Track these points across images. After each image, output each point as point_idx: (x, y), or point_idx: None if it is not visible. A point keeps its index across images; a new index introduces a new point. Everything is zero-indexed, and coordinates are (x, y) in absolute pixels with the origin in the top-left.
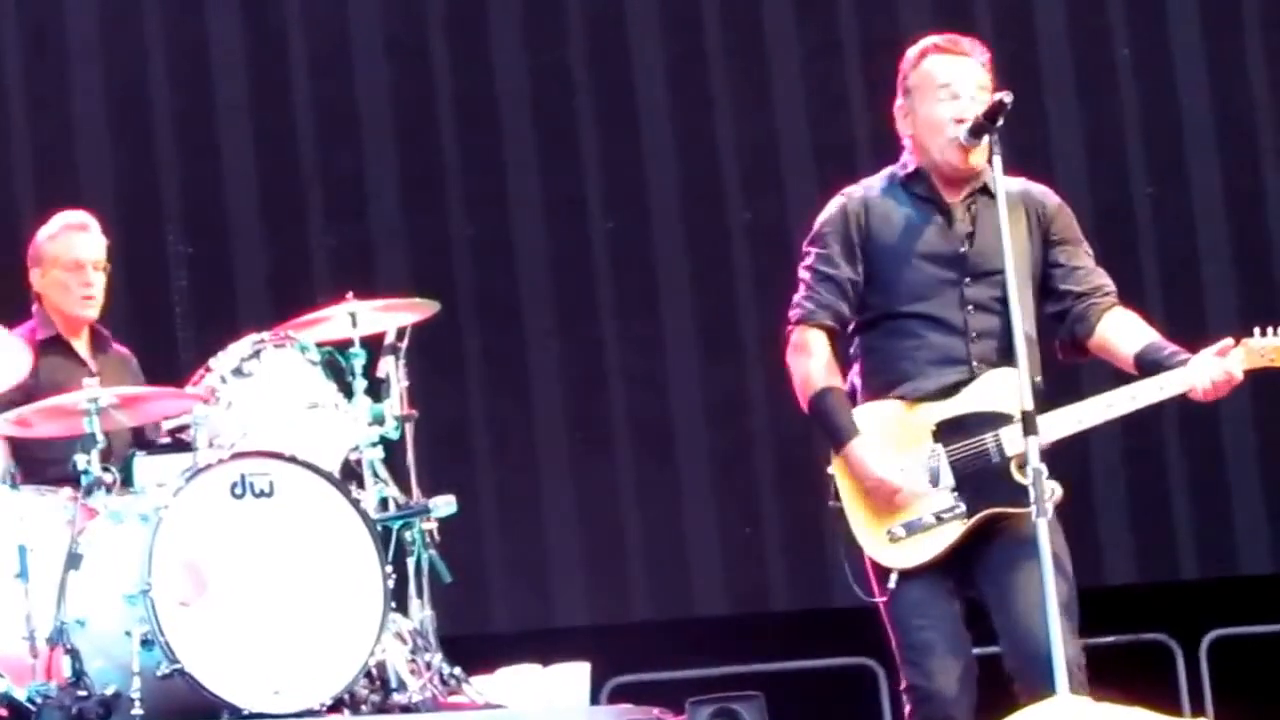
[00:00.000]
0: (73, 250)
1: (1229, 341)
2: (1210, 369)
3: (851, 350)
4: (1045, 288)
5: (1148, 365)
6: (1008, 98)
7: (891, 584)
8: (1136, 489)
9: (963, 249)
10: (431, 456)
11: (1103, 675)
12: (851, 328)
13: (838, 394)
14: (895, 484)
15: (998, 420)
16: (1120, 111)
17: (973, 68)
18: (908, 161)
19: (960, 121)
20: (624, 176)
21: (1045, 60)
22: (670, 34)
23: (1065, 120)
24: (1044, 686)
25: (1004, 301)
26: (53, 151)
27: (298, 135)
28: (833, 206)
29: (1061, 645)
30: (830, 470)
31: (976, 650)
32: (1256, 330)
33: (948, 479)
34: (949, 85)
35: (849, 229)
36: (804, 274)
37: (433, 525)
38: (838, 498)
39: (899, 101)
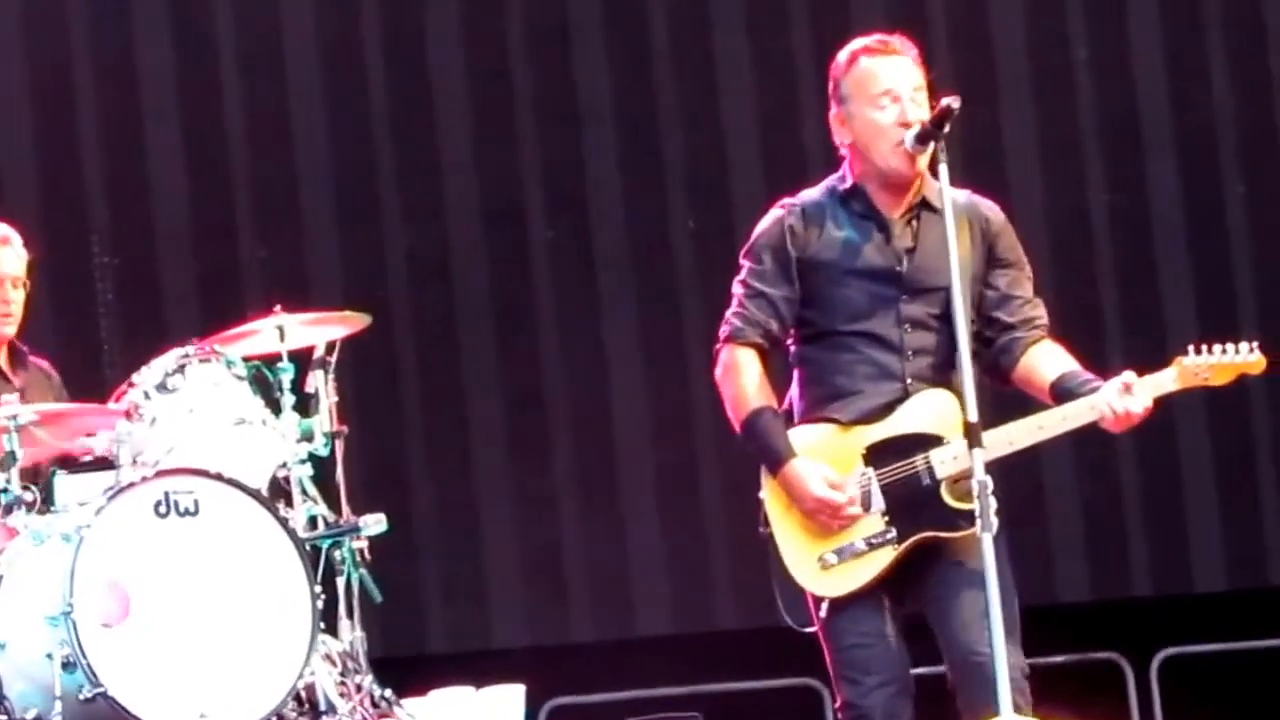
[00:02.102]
0: None
1: (1130, 376)
2: (1107, 400)
3: (789, 364)
4: (978, 307)
5: (1061, 394)
6: (955, 103)
7: (823, 613)
8: (1089, 506)
9: (900, 266)
10: (363, 474)
11: (1053, 694)
12: (790, 342)
13: (771, 415)
14: (838, 502)
15: (928, 442)
16: (1077, 116)
17: (907, 66)
18: (846, 174)
19: (904, 125)
20: (564, 186)
21: (1000, 65)
22: (616, 40)
23: (1020, 125)
24: (985, 703)
25: (941, 318)
26: None
27: (228, 145)
28: (769, 219)
29: (1005, 663)
30: (761, 495)
31: (918, 670)
32: (1190, 348)
33: (879, 503)
34: (887, 88)
35: (785, 244)
36: (737, 289)
37: (363, 544)
38: (768, 524)
39: (834, 110)
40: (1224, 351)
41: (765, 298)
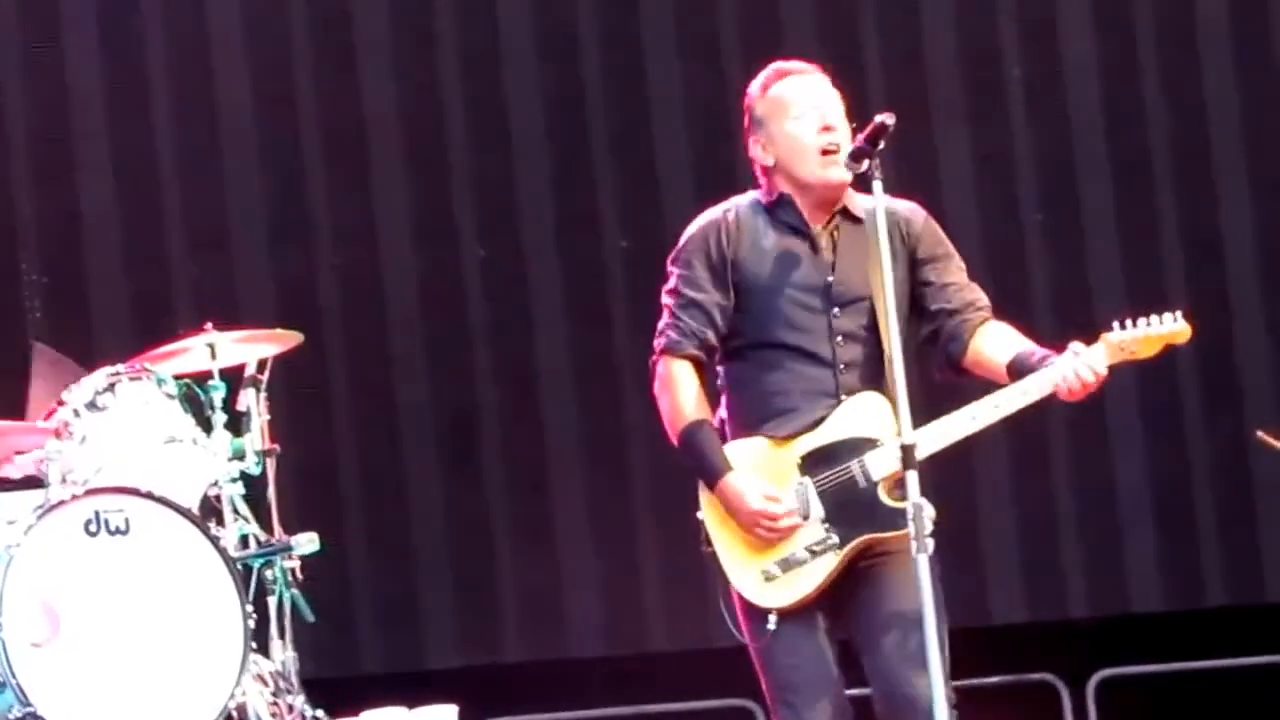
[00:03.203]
0: None
1: (1080, 345)
2: (1072, 366)
3: (719, 381)
4: (917, 308)
5: (1018, 373)
6: (889, 119)
7: (771, 625)
8: (1024, 526)
9: (829, 278)
10: (295, 492)
11: (989, 716)
12: (718, 357)
13: (708, 429)
14: (775, 513)
15: (862, 445)
16: (1010, 134)
17: (820, 82)
18: (770, 189)
19: (827, 129)
20: (497, 203)
21: (933, 83)
22: (548, 59)
23: (954, 143)
24: None
25: (870, 329)
26: None
27: (158, 163)
28: (698, 224)
29: (942, 688)
30: (700, 515)
31: (852, 691)
32: (1115, 324)
33: (818, 510)
34: (803, 103)
35: (716, 249)
36: (667, 298)
37: (295, 563)
38: (709, 543)
39: (752, 138)
40: (1149, 324)
41: (699, 306)
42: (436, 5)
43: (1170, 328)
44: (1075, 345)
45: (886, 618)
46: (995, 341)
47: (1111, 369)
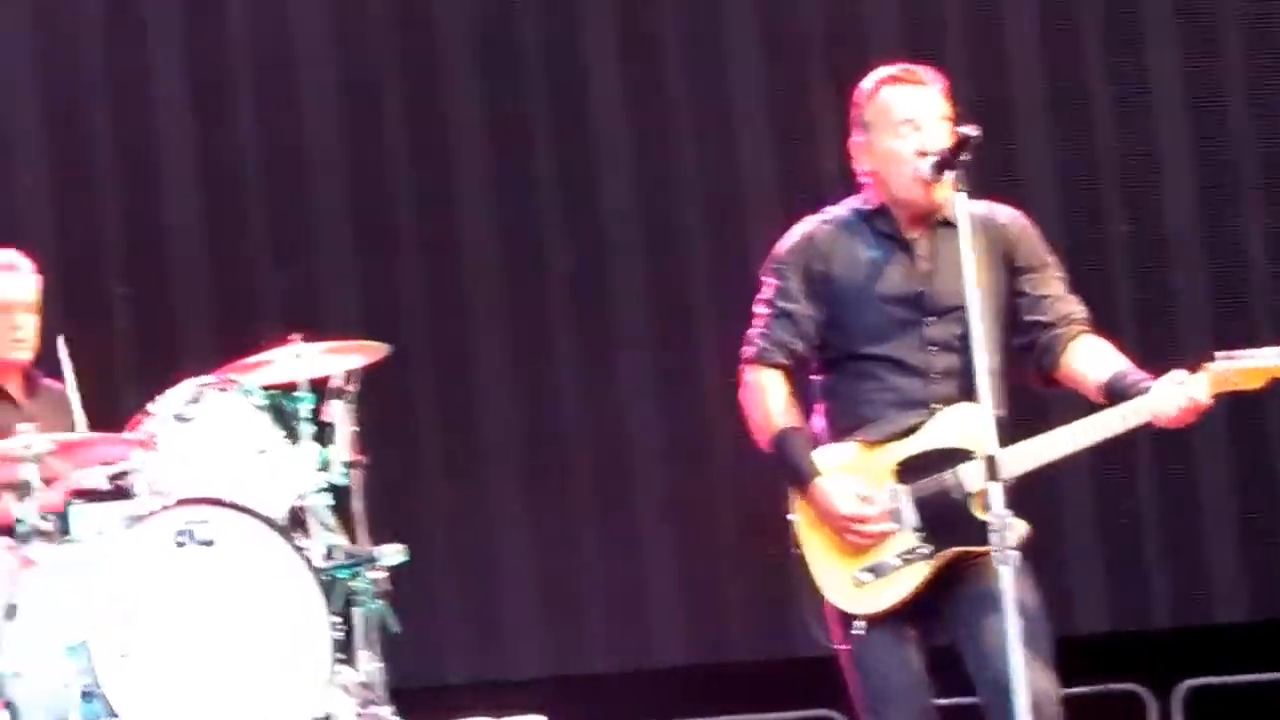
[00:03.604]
0: (1, 291)
1: (1183, 373)
2: (1173, 397)
3: (812, 391)
4: (1012, 319)
5: (1114, 395)
6: (974, 132)
7: (858, 630)
8: (1108, 536)
9: (922, 288)
10: (381, 503)
11: None
12: (812, 368)
13: (798, 434)
14: (868, 516)
15: (957, 457)
16: (1094, 144)
17: (931, 96)
18: (869, 197)
19: (923, 154)
20: (583, 216)
21: (1018, 92)
22: (629, 61)
23: (1037, 153)
24: None
25: (966, 339)
26: None
27: (244, 173)
28: (793, 236)
29: (1026, 693)
30: (791, 517)
31: (941, 701)
32: (1218, 354)
33: (911, 518)
34: (909, 118)
35: (810, 261)
36: (760, 308)
37: (381, 574)
38: (799, 545)
39: (855, 137)
40: (1253, 355)
41: (790, 317)
42: (517, 12)
43: (1276, 361)
44: (1177, 374)
45: (986, 618)
46: (1090, 357)
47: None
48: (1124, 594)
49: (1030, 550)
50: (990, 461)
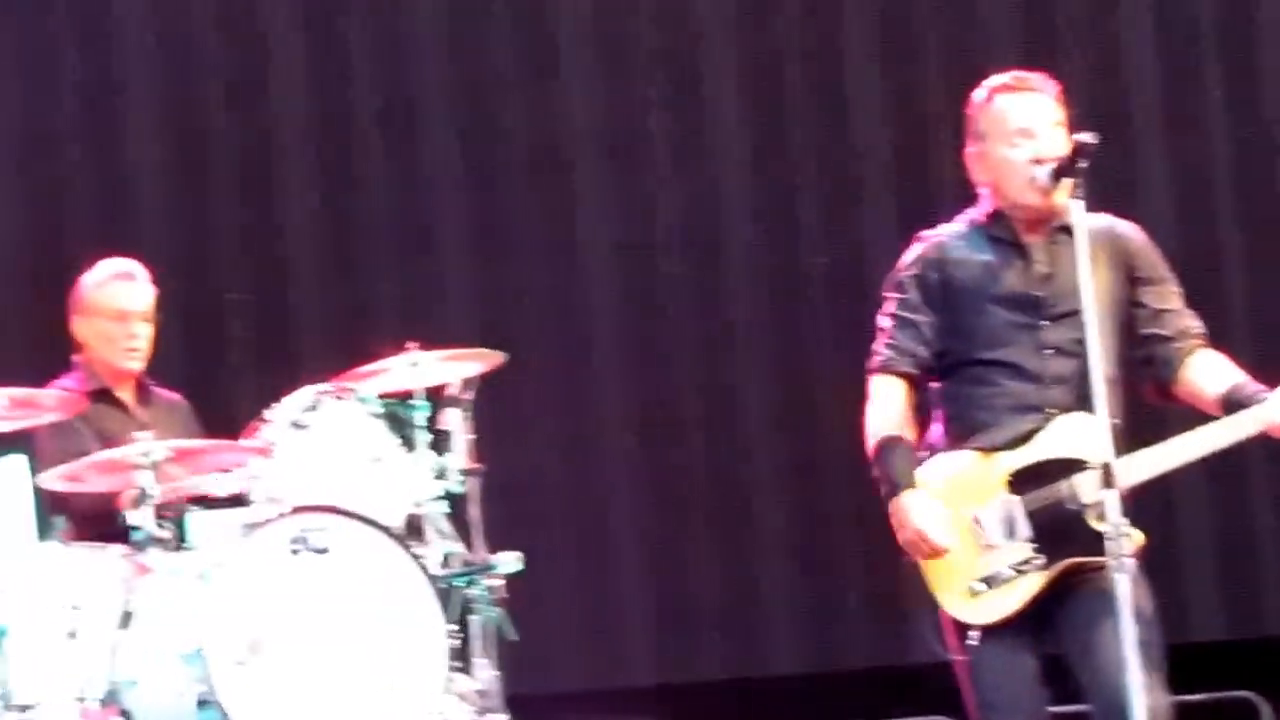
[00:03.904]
0: (118, 300)
1: None
2: None
3: (931, 398)
4: (1129, 330)
5: (1232, 407)
6: (1091, 139)
7: (973, 640)
8: (1223, 543)
9: (1040, 292)
10: (497, 511)
11: None
12: (933, 375)
13: (900, 444)
14: (936, 543)
15: (1072, 467)
16: (1210, 152)
17: (1045, 103)
18: (985, 204)
19: (1039, 161)
20: (698, 218)
21: (1134, 99)
22: (745, 75)
23: (1153, 159)
24: None
25: (1082, 344)
26: (108, 195)
27: (362, 181)
28: (912, 252)
29: (1144, 703)
30: None
31: (1054, 709)
32: None
33: (1024, 530)
34: (1023, 126)
35: (927, 271)
36: (884, 320)
37: (497, 582)
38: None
39: (971, 148)
40: None
41: (914, 326)
42: (640, 22)
43: None
44: None
45: (1099, 630)
46: (1207, 372)
47: None
48: (1238, 602)
49: (1145, 559)
50: (1106, 470)
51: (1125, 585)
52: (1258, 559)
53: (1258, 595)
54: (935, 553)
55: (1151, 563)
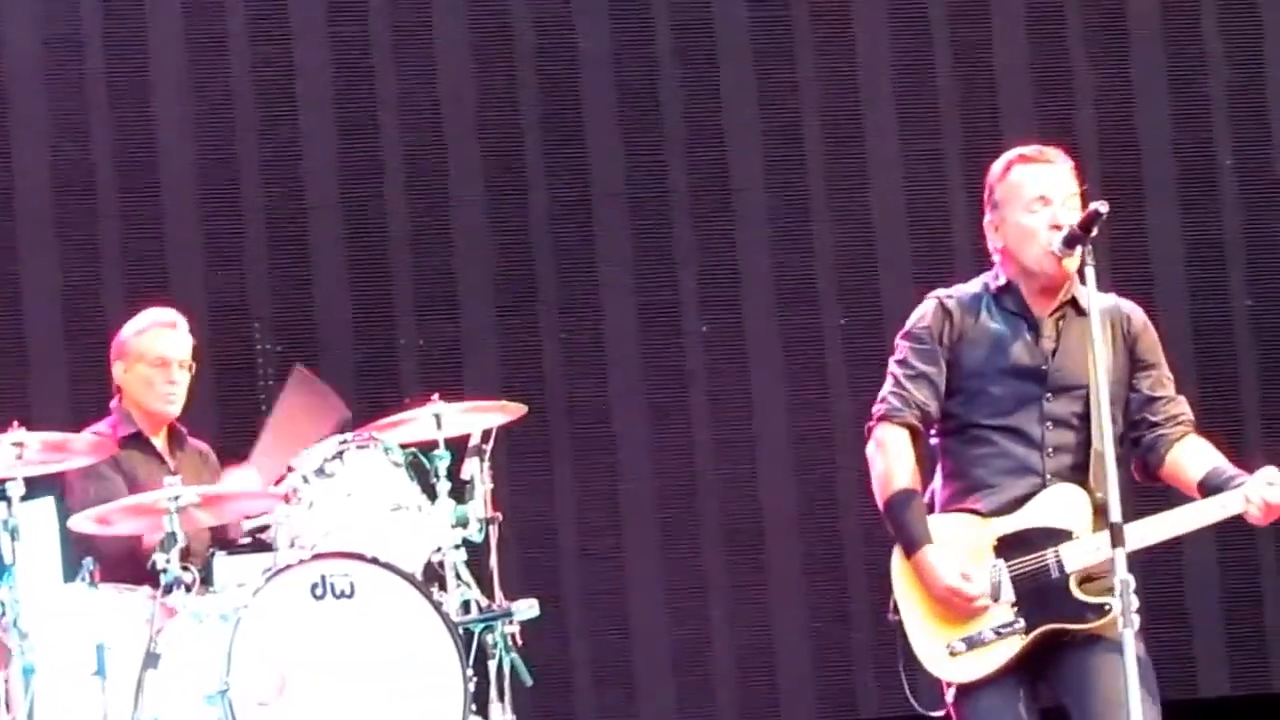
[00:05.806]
0: (159, 347)
1: (1274, 472)
2: (1259, 493)
3: (933, 454)
4: (1124, 409)
5: (1210, 490)
6: (1103, 208)
7: (949, 698)
8: (1230, 601)
9: (1046, 365)
10: (516, 559)
11: None
12: (934, 432)
13: (914, 498)
14: (969, 593)
15: (1059, 536)
16: (1221, 222)
17: (1061, 174)
18: (999, 273)
19: (1055, 228)
20: (717, 279)
21: (1147, 169)
22: (769, 131)
23: (1166, 230)
24: None
25: (1083, 418)
26: (142, 246)
27: (389, 235)
28: (927, 305)
29: None
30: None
31: None
32: None
33: (1008, 594)
34: (1041, 194)
35: (943, 330)
36: (894, 368)
37: (515, 628)
38: (897, 611)
39: (987, 216)
40: None
41: (926, 378)
42: (662, 77)
43: None
44: (1270, 473)
45: (1094, 679)
46: (1191, 459)
47: None
48: (1244, 657)
49: (1146, 611)
50: (1115, 529)
51: (1131, 640)
52: (1264, 615)
53: (1265, 652)
54: (970, 605)
55: (1159, 618)
